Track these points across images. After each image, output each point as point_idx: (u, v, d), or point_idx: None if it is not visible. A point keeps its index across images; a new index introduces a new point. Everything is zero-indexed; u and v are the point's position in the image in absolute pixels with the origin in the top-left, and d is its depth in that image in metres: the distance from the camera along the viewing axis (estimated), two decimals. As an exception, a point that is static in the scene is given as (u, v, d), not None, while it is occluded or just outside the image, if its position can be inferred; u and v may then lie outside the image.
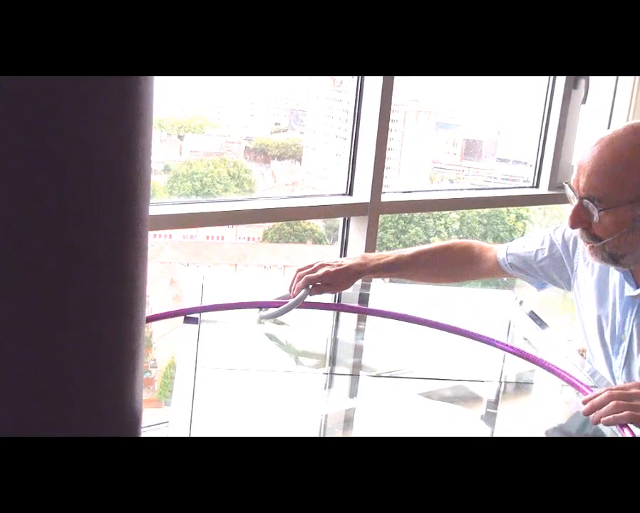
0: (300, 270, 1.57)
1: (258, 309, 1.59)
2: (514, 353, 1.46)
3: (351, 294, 1.66)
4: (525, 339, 1.65)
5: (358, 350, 1.61)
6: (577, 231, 1.39)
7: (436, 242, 1.82)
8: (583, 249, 1.44)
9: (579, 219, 1.34)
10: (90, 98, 0.74)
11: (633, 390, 1.12)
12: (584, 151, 1.33)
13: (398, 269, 1.59)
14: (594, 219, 1.31)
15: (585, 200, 1.32)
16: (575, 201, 1.34)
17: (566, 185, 1.37)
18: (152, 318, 1.45)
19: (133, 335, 0.87)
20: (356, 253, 2.36)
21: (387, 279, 1.93)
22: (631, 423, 1.08)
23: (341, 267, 1.57)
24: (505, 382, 1.56)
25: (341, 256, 2.40)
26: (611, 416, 1.09)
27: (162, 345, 2.68)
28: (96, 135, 0.76)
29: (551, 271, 1.61)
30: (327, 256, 2.69)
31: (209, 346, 1.44)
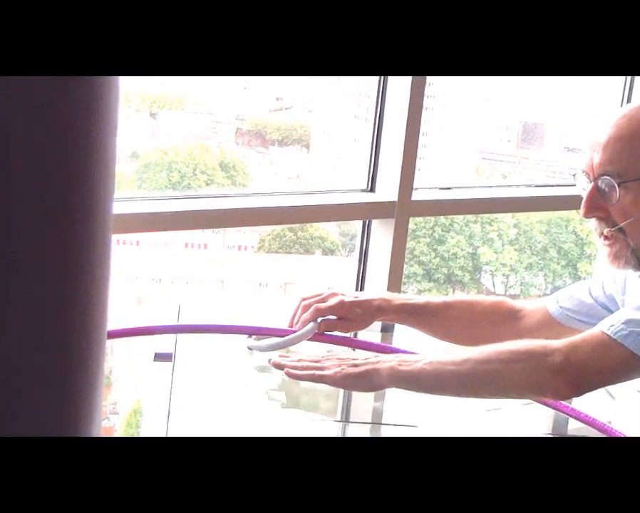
0: (305, 299, 1.57)
1: (247, 336, 1.59)
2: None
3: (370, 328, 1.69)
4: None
5: (378, 395, 1.60)
6: (593, 225, 1.49)
7: (464, 296, 1.87)
8: (605, 260, 1.51)
9: (595, 204, 1.43)
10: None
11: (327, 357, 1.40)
12: (596, 130, 1.45)
13: (425, 316, 1.63)
14: (613, 200, 1.41)
15: (602, 178, 1.41)
16: (589, 186, 1.43)
17: (577, 172, 1.48)
18: (113, 334, 1.48)
19: (89, 371, 0.86)
20: (380, 267, 2.35)
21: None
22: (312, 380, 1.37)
23: (358, 299, 1.58)
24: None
25: (359, 272, 2.40)
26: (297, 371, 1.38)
27: (125, 384, 2.68)
28: (39, 110, 0.76)
29: (607, 305, 1.66)
30: (341, 270, 2.68)
31: (185, 387, 1.49)
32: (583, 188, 1.46)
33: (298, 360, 1.40)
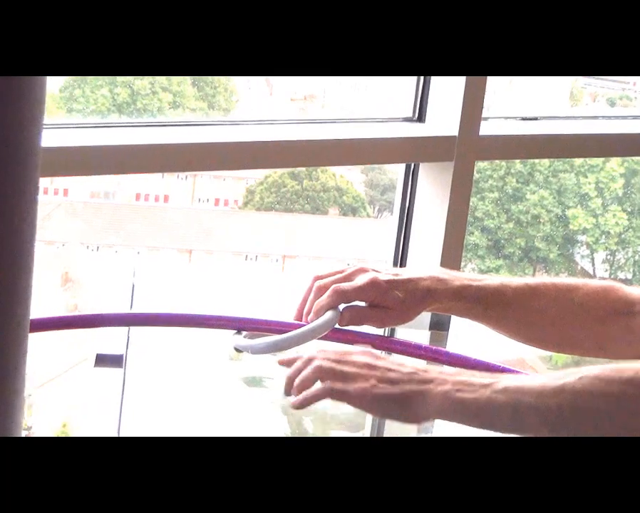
0: (320, 277, 1.58)
1: (233, 332, 1.59)
2: None
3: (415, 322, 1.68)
4: None
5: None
6: None
7: (555, 278, 1.92)
8: None
9: None
10: None
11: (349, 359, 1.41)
12: None
13: (499, 306, 1.65)
14: None
15: None
16: None
17: None
18: (36, 325, 1.47)
19: (7, 374, 0.89)
20: (430, 233, 2.34)
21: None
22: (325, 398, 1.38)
23: (399, 278, 1.58)
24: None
25: (399, 241, 2.40)
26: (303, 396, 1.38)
27: (46, 400, 2.70)
28: None
29: None
30: (369, 238, 2.66)
31: (139, 404, 1.54)
32: None
33: (309, 359, 1.40)
